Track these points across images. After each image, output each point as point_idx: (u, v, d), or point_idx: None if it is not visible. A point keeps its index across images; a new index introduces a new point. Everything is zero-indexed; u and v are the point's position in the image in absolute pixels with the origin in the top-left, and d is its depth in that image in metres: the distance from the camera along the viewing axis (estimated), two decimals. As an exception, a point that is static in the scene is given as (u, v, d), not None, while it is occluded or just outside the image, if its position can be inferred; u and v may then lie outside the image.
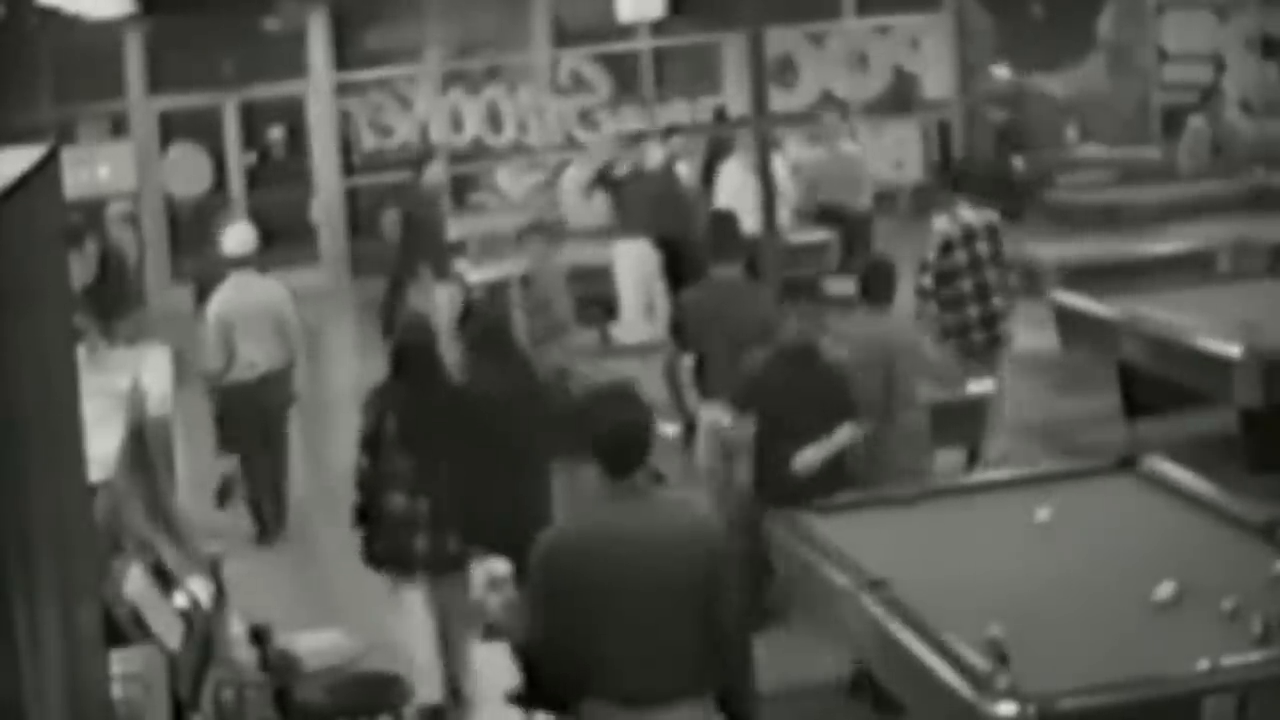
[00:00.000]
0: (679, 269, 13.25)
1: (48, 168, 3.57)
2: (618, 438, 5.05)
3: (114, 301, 11.23)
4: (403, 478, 7.26)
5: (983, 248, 10.20)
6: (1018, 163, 19.83)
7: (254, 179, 20.41)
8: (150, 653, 4.94)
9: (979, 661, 5.29)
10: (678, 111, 20.30)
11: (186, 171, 20.15)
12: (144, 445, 6.77)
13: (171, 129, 20.12)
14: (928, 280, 10.17)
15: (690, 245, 12.86)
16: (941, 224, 10.22)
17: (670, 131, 16.62)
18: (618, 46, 20.66)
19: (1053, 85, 21.37)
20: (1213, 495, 6.92)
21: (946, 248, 10.15)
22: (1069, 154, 20.47)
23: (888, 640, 5.91)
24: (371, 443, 7.33)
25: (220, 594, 6.30)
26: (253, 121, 20.42)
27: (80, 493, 3.91)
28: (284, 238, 18.42)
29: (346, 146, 20.48)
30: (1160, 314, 10.30)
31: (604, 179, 14.85)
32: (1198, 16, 21.21)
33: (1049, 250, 13.26)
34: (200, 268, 11.95)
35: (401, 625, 7.48)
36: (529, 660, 5.26)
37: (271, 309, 10.41)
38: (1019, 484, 7.48)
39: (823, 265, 13.73)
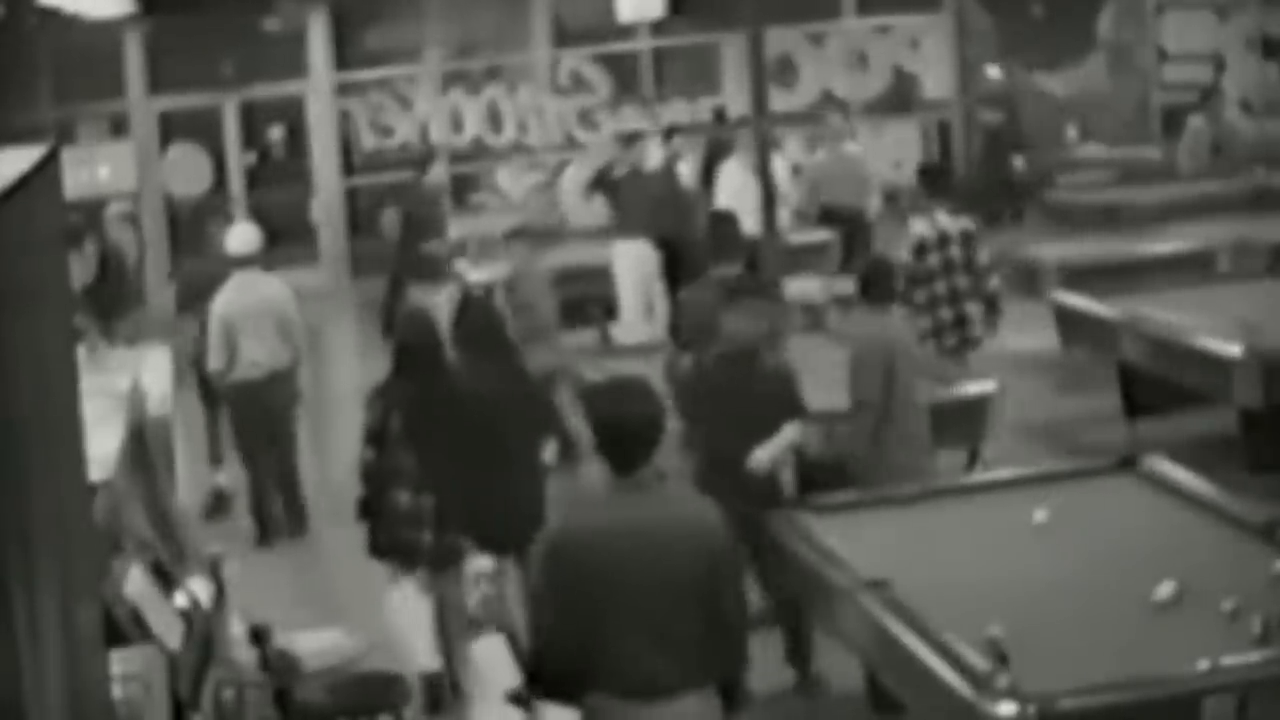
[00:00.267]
0: (678, 269, 13.26)
1: (48, 168, 3.57)
2: (622, 432, 5.08)
3: (114, 301, 11.22)
4: (407, 473, 7.43)
5: (956, 252, 10.32)
6: (1017, 163, 19.83)
7: (254, 179, 20.42)
8: (150, 653, 4.94)
9: (979, 661, 5.29)
10: (678, 111, 20.30)
11: (186, 171, 20.14)
12: (144, 445, 6.77)
13: (171, 129, 20.12)
14: (900, 283, 10.21)
15: (690, 245, 12.87)
16: (918, 227, 10.34)
17: (670, 131, 16.62)
18: (618, 46, 20.66)
19: (1053, 85, 21.37)
20: (1213, 495, 6.92)
21: (920, 250, 10.26)
22: (1069, 154, 20.48)
23: (888, 640, 5.91)
24: (376, 438, 7.50)
25: (220, 594, 6.29)
26: (253, 121, 20.42)
27: (80, 493, 3.91)
28: (284, 238, 18.41)
29: (346, 146, 20.49)
30: (1160, 314, 10.30)
31: (603, 180, 14.85)
32: (1198, 16, 21.22)
33: (1049, 250, 13.26)
34: (184, 271, 11.86)
35: (400, 615, 7.68)
36: (533, 652, 5.27)
37: (275, 308, 10.39)
38: (1019, 484, 7.48)
39: (823, 266, 13.73)
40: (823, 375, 8.69)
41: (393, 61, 20.55)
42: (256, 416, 10.38)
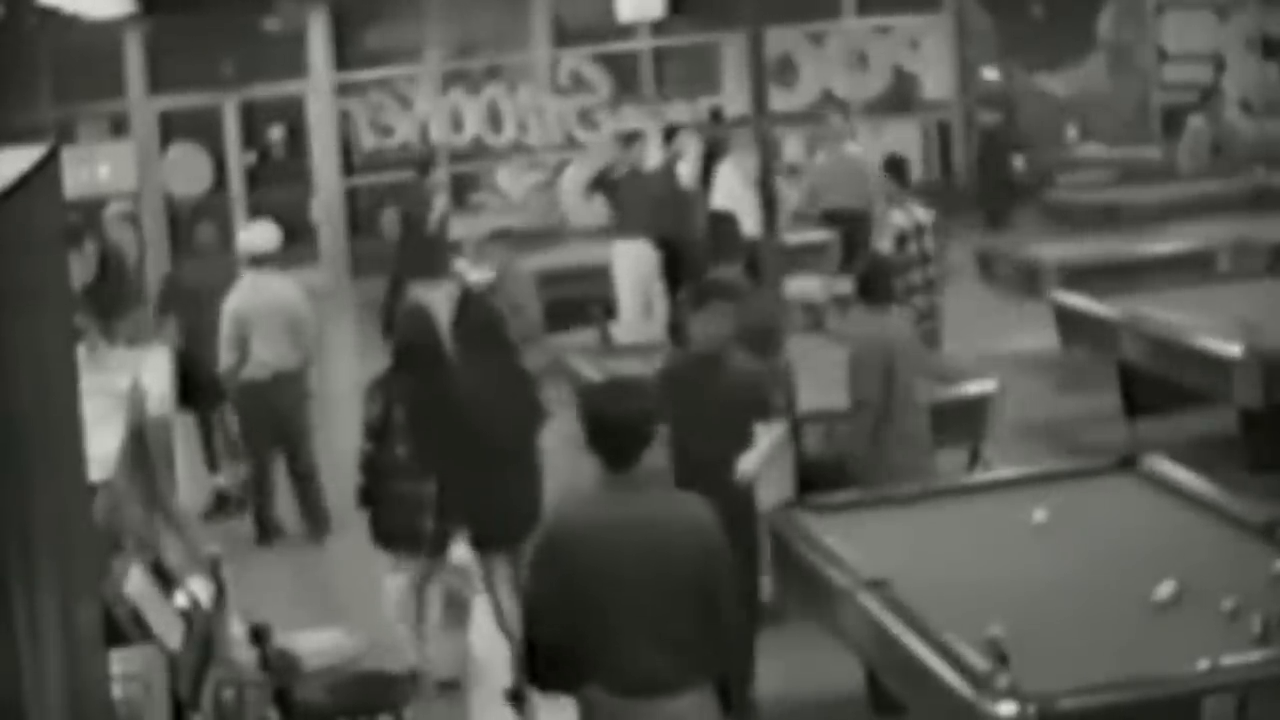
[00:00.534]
0: (678, 269, 13.26)
1: (48, 168, 3.57)
2: (615, 430, 5.13)
3: (114, 301, 11.20)
4: (407, 464, 7.66)
5: (928, 242, 10.50)
6: (1016, 163, 19.83)
7: (254, 179, 20.42)
8: (150, 653, 4.94)
9: (979, 661, 5.29)
10: (678, 111, 20.31)
11: (186, 171, 20.15)
12: (144, 445, 6.77)
13: (171, 129, 20.12)
14: None
15: (689, 245, 12.86)
16: (896, 218, 10.63)
17: (671, 131, 16.62)
18: (618, 46, 20.66)
19: (1053, 85, 21.38)
20: (1213, 495, 6.92)
21: (901, 241, 10.45)
22: (1069, 154, 20.48)
23: (888, 640, 5.91)
24: (377, 430, 7.73)
25: (220, 594, 6.29)
26: (253, 121, 20.43)
27: (80, 493, 3.91)
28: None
29: (346, 146, 20.49)
30: (1160, 314, 10.30)
31: (604, 181, 14.85)
32: (1198, 16, 21.22)
33: (1049, 250, 13.26)
34: (166, 274, 11.79)
35: (393, 605, 7.86)
36: (527, 645, 5.31)
37: (287, 308, 10.34)
38: (1019, 484, 7.48)
39: (823, 266, 13.72)
40: (823, 375, 8.70)
41: (393, 61, 20.55)
42: (264, 416, 10.33)
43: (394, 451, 7.70)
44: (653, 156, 15.16)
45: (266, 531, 10.46)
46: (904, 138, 21.22)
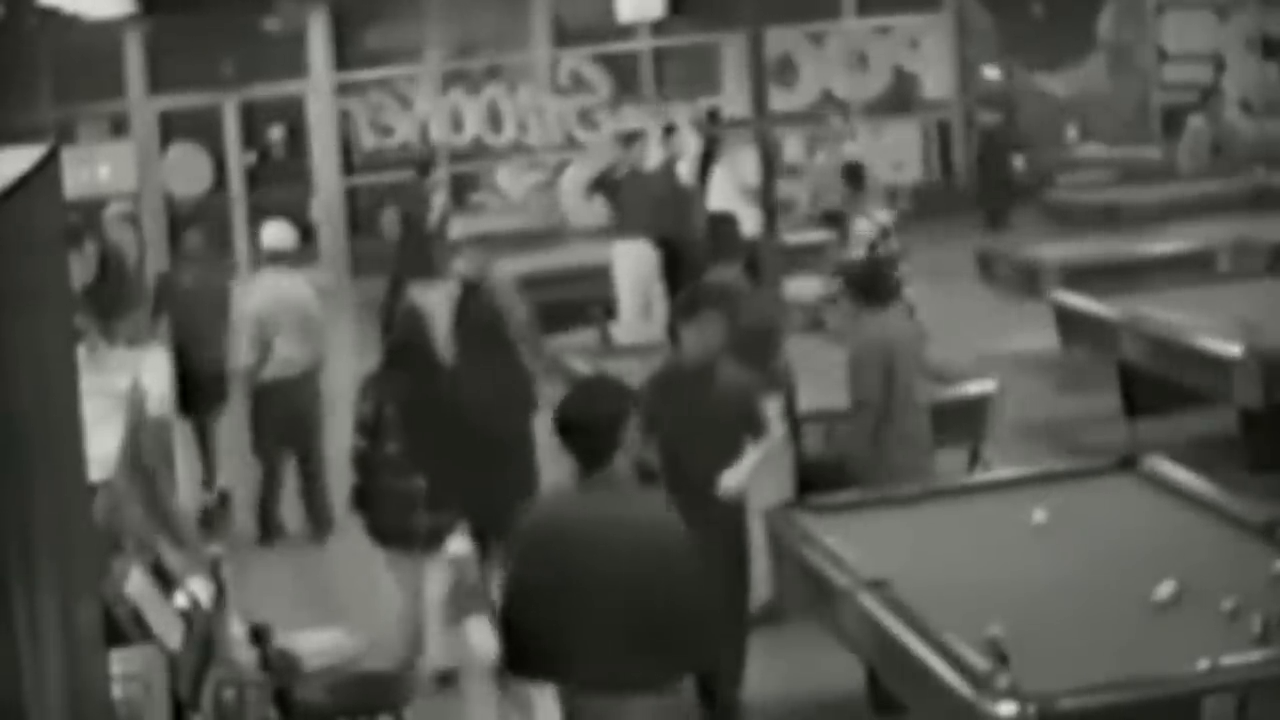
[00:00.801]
0: (678, 270, 13.25)
1: (48, 168, 3.57)
2: (584, 431, 5.23)
3: (114, 301, 11.18)
4: (399, 460, 7.72)
5: (894, 244, 10.62)
6: (1016, 163, 19.83)
7: (254, 179, 20.42)
8: (150, 653, 4.94)
9: (979, 661, 5.29)
10: (678, 112, 20.31)
11: (186, 171, 20.15)
12: (144, 445, 6.77)
13: (171, 129, 20.13)
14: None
15: (689, 245, 12.86)
16: (861, 226, 10.68)
17: (669, 130, 16.62)
18: (618, 46, 20.66)
19: (1053, 85, 21.38)
20: (1213, 495, 6.92)
21: (871, 247, 10.49)
22: (1069, 154, 20.48)
23: (888, 640, 5.91)
24: (370, 428, 7.78)
25: (220, 594, 6.29)
26: (253, 121, 20.44)
27: (80, 493, 3.91)
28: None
29: (346, 146, 20.49)
30: (1160, 314, 10.30)
31: (603, 182, 14.85)
32: (1198, 16, 21.22)
33: (1049, 250, 13.26)
34: (164, 275, 11.76)
35: (397, 596, 7.96)
36: (500, 636, 5.41)
37: (303, 306, 10.33)
38: (1019, 484, 7.48)
39: (823, 266, 13.71)
40: (823, 375, 8.69)
41: (393, 61, 20.56)
42: (280, 416, 10.26)
43: (386, 448, 7.76)
44: (653, 157, 15.15)
45: (269, 531, 10.43)
46: (904, 138, 21.25)
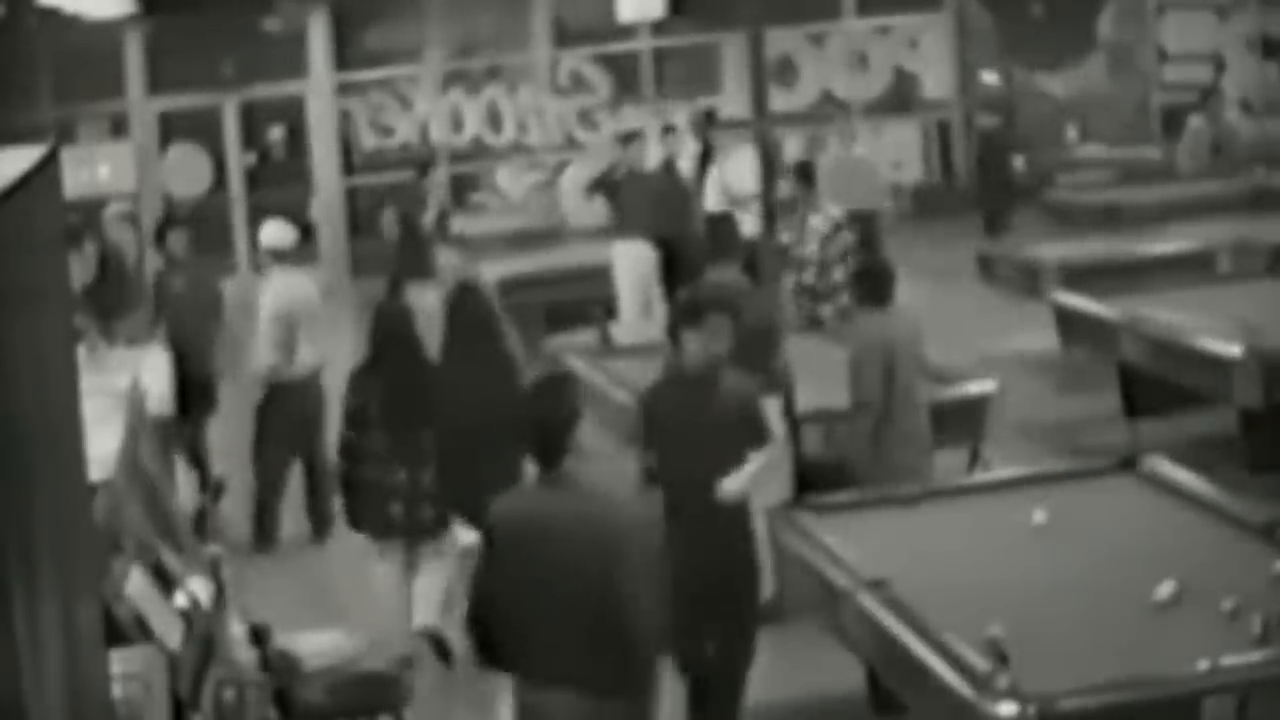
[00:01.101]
0: (676, 269, 13.24)
1: (48, 168, 3.57)
2: (538, 430, 5.41)
3: (114, 301, 11.17)
4: (380, 451, 7.92)
5: (847, 238, 10.70)
6: (1016, 164, 19.82)
7: (254, 179, 20.42)
8: (150, 653, 4.94)
9: (979, 661, 5.29)
10: (676, 111, 20.31)
11: (186, 171, 20.15)
12: (143, 445, 6.77)
13: (171, 129, 20.13)
14: (809, 276, 10.63)
15: (688, 245, 12.86)
16: (816, 221, 10.78)
17: (669, 130, 16.61)
18: (618, 46, 20.66)
19: (1053, 86, 21.37)
20: (1213, 495, 6.92)
21: (825, 241, 10.57)
22: (1069, 154, 20.48)
23: (888, 640, 5.91)
24: (355, 419, 8.02)
25: (220, 594, 6.29)
26: (253, 121, 20.44)
27: (80, 493, 3.91)
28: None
29: (346, 146, 20.49)
30: (1160, 314, 10.30)
31: (603, 182, 14.85)
32: (1198, 16, 21.22)
33: (1049, 250, 13.26)
34: (159, 277, 11.74)
35: (377, 584, 8.15)
36: (472, 623, 5.56)
37: (311, 305, 10.31)
38: (1019, 484, 7.48)
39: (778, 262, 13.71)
40: (823, 375, 8.69)
41: (393, 61, 20.56)
42: (292, 417, 10.22)
43: (370, 441, 7.97)
44: (652, 157, 15.15)
45: (269, 537, 10.36)
46: (904, 138, 21.25)
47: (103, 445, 5.60)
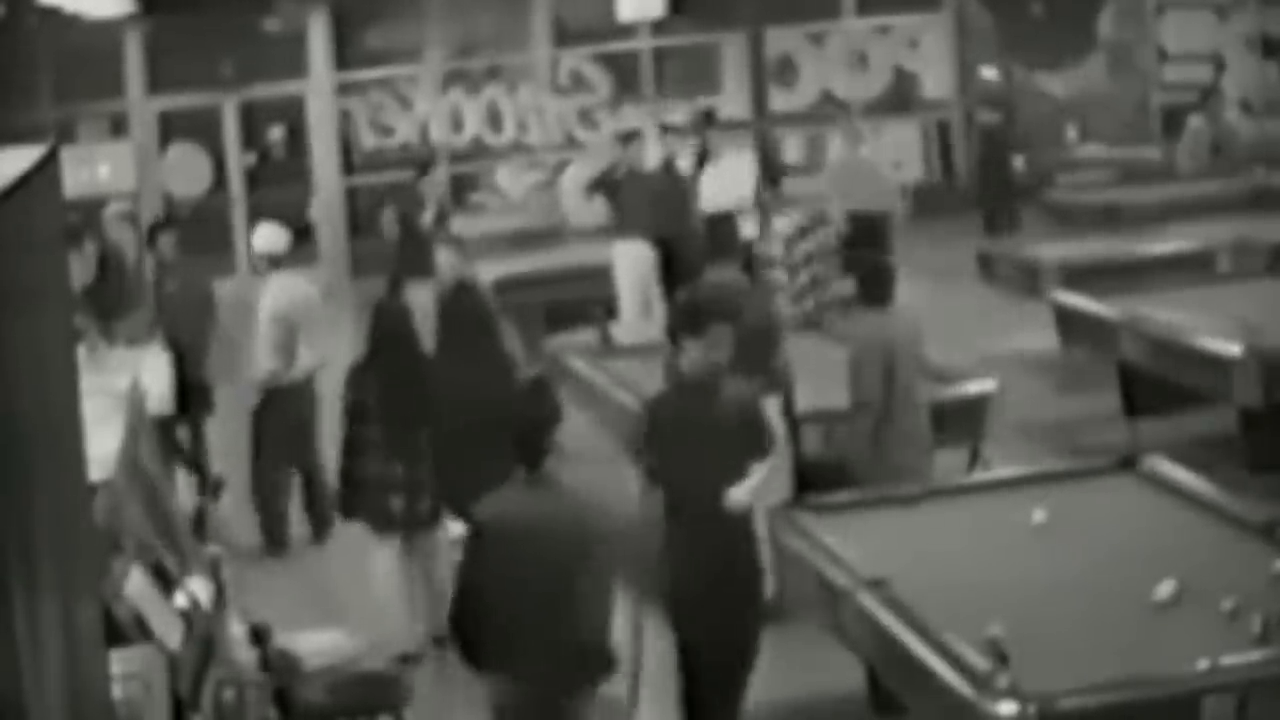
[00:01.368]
0: (674, 269, 13.23)
1: (48, 168, 3.57)
2: (519, 432, 5.55)
3: (114, 301, 11.16)
4: (379, 444, 8.12)
5: (811, 243, 10.76)
6: (1016, 164, 19.82)
7: (254, 179, 20.41)
8: (150, 653, 4.93)
9: (979, 661, 5.29)
10: (678, 112, 20.30)
11: (186, 171, 20.15)
12: (143, 445, 6.76)
13: (171, 129, 20.12)
14: (779, 275, 10.69)
15: (686, 245, 12.85)
16: (781, 224, 10.77)
17: (668, 129, 16.60)
18: (618, 46, 20.65)
19: (1053, 85, 21.37)
20: (1213, 495, 6.92)
21: (789, 243, 10.57)
22: (1069, 154, 20.47)
23: (888, 640, 5.91)
24: (355, 414, 8.22)
25: (220, 594, 6.29)
26: (253, 121, 20.43)
27: (80, 493, 3.91)
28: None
29: (346, 146, 20.49)
30: (1160, 314, 10.30)
31: (603, 182, 14.84)
32: (1198, 16, 21.22)
33: (1049, 250, 13.25)
34: (163, 278, 11.71)
35: (376, 576, 8.32)
36: (456, 622, 5.65)
37: (311, 308, 10.31)
38: (1019, 484, 7.48)
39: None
40: (823, 375, 8.69)
41: (393, 61, 20.55)
42: (294, 420, 10.21)
43: (368, 434, 8.16)
44: (652, 157, 15.15)
45: (279, 541, 10.33)
46: (904, 138, 21.24)
47: (103, 445, 5.59)
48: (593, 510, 5.56)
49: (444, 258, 9.12)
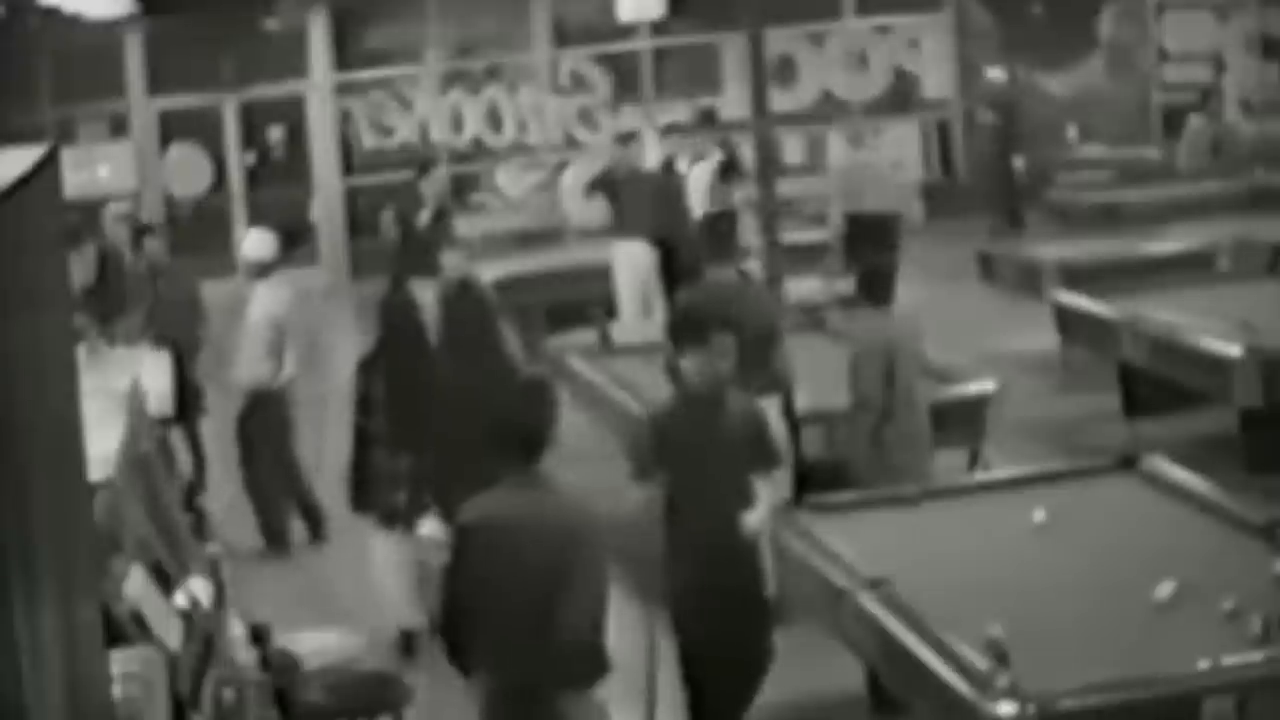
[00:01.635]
0: (674, 269, 13.24)
1: (47, 168, 3.56)
2: (515, 431, 5.49)
3: (113, 301, 11.16)
4: (385, 437, 8.28)
5: (733, 195, 10.91)
6: (1017, 164, 19.81)
7: (254, 179, 20.41)
8: (150, 653, 4.93)
9: (979, 661, 5.29)
10: (678, 111, 20.31)
11: (186, 171, 20.15)
12: (143, 445, 6.76)
13: (171, 129, 20.12)
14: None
15: (685, 245, 12.84)
16: (698, 171, 10.88)
17: (670, 130, 16.62)
18: (618, 46, 20.65)
19: (1053, 85, 21.37)
20: (1213, 495, 6.92)
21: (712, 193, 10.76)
22: (1069, 154, 20.46)
23: (888, 640, 5.92)
24: (362, 406, 8.40)
25: (220, 594, 6.29)
26: (253, 121, 20.43)
27: (80, 493, 3.91)
28: (284, 238, 18.36)
29: (346, 146, 20.49)
30: (1160, 314, 10.30)
31: (603, 182, 14.84)
32: (1198, 16, 21.22)
33: (1049, 250, 13.25)
34: (153, 289, 11.69)
35: (383, 571, 8.47)
36: (443, 623, 5.64)
37: (295, 314, 10.32)
38: (1019, 484, 7.48)
39: (825, 267, 13.69)
40: (823, 375, 8.69)
41: (393, 61, 20.56)
42: (285, 425, 10.24)
43: (377, 424, 8.32)
44: (651, 157, 15.15)
45: (280, 541, 10.34)
46: (903, 138, 21.24)
47: (103, 445, 5.59)
48: (581, 511, 5.53)
49: (449, 259, 9.14)
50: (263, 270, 10.31)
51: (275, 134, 20.50)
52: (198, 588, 5.86)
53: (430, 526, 7.96)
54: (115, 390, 7.11)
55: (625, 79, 20.84)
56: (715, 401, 6.63)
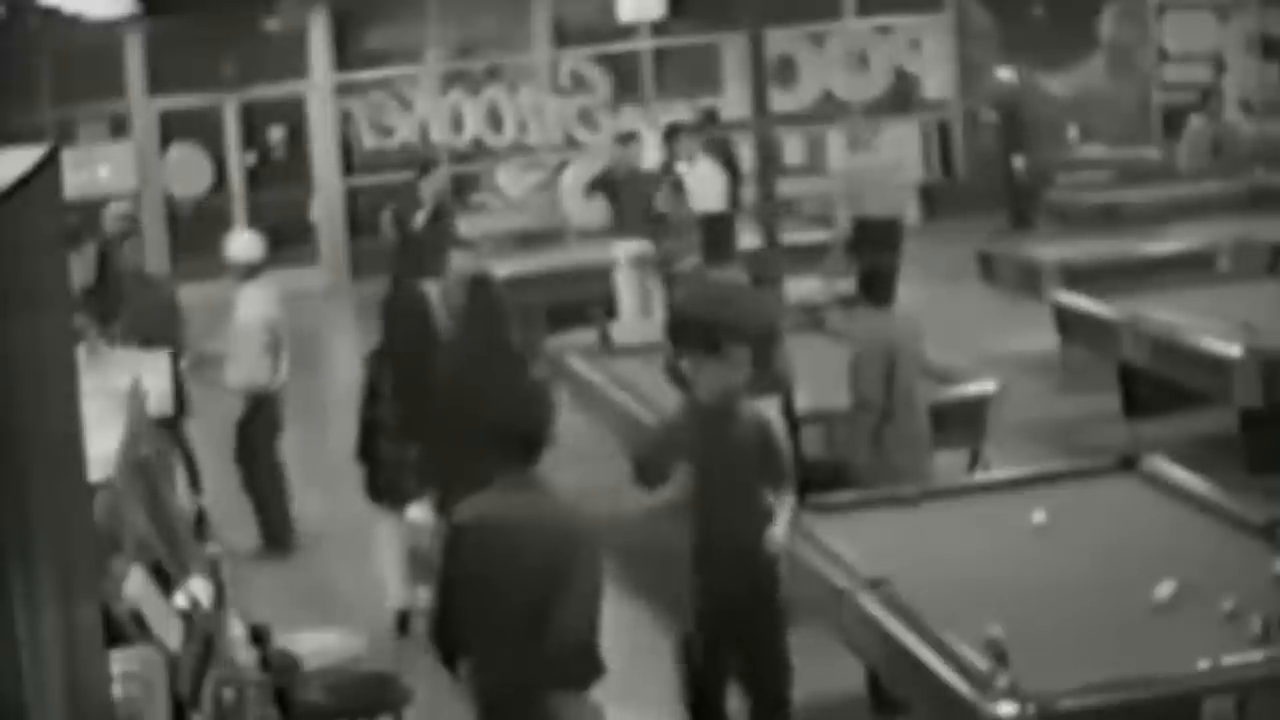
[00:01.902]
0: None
1: (48, 168, 3.56)
2: (511, 433, 5.51)
3: (113, 301, 11.14)
4: (392, 426, 8.47)
5: (677, 172, 11.02)
6: (1017, 164, 19.80)
7: (254, 179, 20.41)
8: (150, 653, 4.93)
9: (979, 661, 5.29)
10: (678, 112, 20.29)
11: (186, 171, 20.14)
12: (143, 445, 6.76)
13: (171, 129, 20.12)
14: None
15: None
16: (649, 140, 10.98)
17: (672, 131, 16.60)
18: (618, 46, 20.65)
19: (1053, 85, 21.36)
20: (1213, 495, 6.92)
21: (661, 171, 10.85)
22: (1069, 154, 20.46)
23: (888, 640, 5.92)
24: (371, 396, 8.59)
25: (220, 594, 6.29)
26: (253, 121, 20.43)
27: (80, 493, 3.91)
28: (284, 238, 18.40)
29: (346, 147, 20.49)
30: (1160, 314, 10.30)
31: (603, 182, 14.84)
32: (1198, 16, 21.22)
33: (1049, 250, 13.26)
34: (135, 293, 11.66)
35: (385, 550, 8.71)
36: (436, 618, 5.66)
37: (283, 317, 10.33)
38: (1019, 484, 7.48)
39: (827, 267, 13.69)
40: (823, 375, 8.69)
41: (393, 61, 20.55)
42: (275, 425, 10.25)
43: (386, 413, 8.51)
44: (650, 157, 15.14)
45: (281, 541, 10.32)
46: (903, 138, 21.23)
47: (103, 445, 5.59)
48: (575, 512, 5.55)
49: (456, 258, 9.16)
50: (251, 272, 10.29)
51: (275, 134, 20.49)
52: (198, 588, 5.86)
53: (417, 510, 8.24)
54: (115, 390, 7.12)
55: (625, 79, 20.84)
56: (729, 413, 6.62)
